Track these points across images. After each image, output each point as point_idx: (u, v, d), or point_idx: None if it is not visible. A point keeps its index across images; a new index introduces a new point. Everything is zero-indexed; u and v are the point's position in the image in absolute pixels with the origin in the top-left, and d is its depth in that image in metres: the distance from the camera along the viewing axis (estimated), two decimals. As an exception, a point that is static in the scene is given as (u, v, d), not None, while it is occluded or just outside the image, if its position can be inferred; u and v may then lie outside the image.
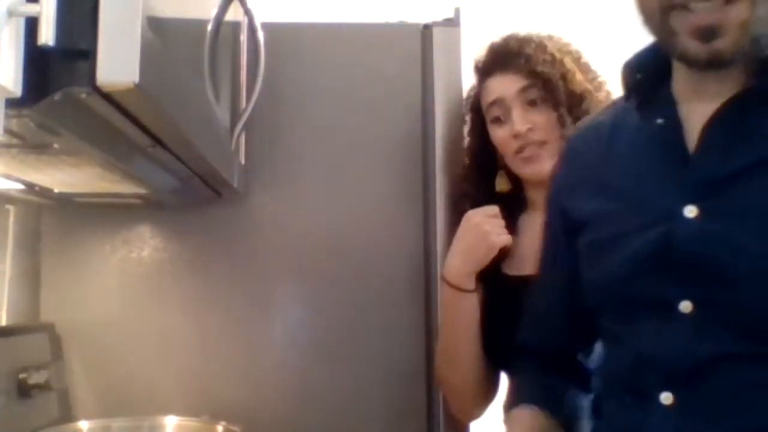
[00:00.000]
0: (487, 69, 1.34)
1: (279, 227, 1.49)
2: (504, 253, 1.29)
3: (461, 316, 1.29)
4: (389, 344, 1.46)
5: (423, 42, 1.52)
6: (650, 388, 0.82)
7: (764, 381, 0.74)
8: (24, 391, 1.21)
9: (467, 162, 1.42)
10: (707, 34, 0.73)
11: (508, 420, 1.05)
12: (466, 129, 1.42)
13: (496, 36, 1.36)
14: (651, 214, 0.83)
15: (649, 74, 0.87)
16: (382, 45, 1.53)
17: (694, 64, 0.78)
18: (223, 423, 1.25)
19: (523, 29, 1.35)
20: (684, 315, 0.79)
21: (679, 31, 0.76)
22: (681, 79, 0.85)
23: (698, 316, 0.78)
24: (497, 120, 1.32)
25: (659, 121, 0.85)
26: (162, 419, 1.29)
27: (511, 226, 1.31)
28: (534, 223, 1.25)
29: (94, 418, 1.30)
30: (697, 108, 0.81)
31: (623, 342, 0.88)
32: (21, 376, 1.21)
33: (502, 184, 1.36)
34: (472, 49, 1.42)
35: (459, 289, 1.28)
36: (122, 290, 1.47)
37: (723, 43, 0.73)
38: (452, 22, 1.52)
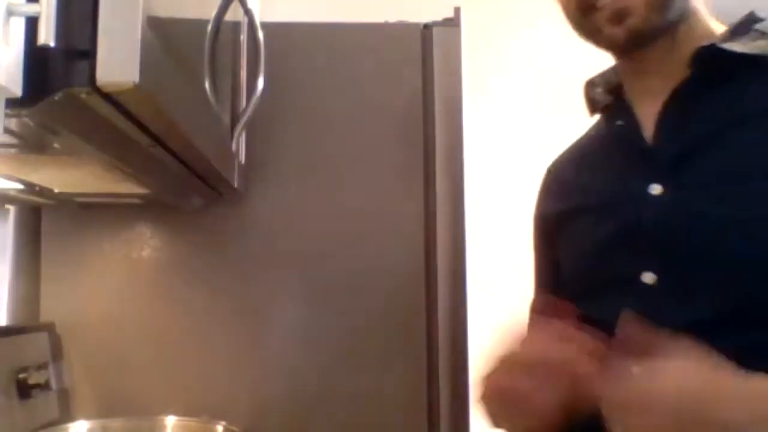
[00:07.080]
0: None
1: (279, 227, 1.49)
2: None
3: None
4: (390, 344, 1.46)
5: (423, 42, 1.52)
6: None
7: (724, 350, 0.73)
8: (24, 391, 1.20)
9: None
10: (620, 16, 0.85)
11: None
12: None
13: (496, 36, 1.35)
14: (618, 199, 0.89)
15: (607, 87, 0.98)
16: (382, 45, 1.53)
17: (617, 46, 0.89)
18: (223, 423, 1.25)
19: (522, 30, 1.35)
20: (646, 286, 0.83)
21: (601, 25, 0.87)
22: (630, 83, 0.94)
23: (661, 286, 0.82)
24: None
25: (619, 122, 0.94)
26: (162, 419, 1.29)
27: None
28: None
29: (93, 418, 1.30)
30: (651, 105, 0.89)
31: (590, 315, 0.90)
32: (21, 376, 1.21)
33: None
34: (472, 49, 1.42)
35: None
36: (122, 290, 1.47)
37: (634, 21, 0.85)
38: (452, 22, 1.53)
